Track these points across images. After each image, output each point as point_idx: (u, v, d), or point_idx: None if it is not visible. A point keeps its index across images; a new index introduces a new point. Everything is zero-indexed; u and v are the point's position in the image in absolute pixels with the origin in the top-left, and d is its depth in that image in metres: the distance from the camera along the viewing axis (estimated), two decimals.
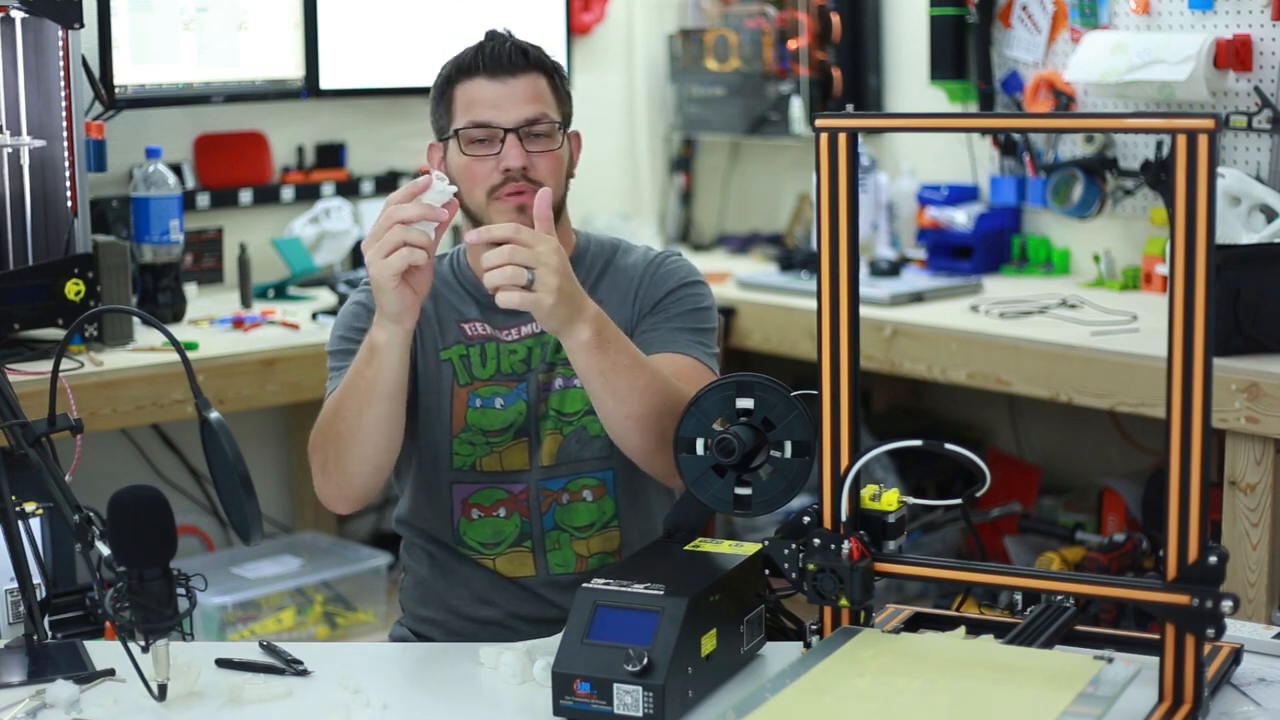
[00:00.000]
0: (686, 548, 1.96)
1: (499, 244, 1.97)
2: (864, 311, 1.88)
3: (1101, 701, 1.63)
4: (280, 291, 3.80)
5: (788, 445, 1.92)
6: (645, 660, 1.71)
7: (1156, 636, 1.71)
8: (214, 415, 1.86)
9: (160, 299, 3.45)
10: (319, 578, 3.76)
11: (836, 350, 1.84)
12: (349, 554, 3.85)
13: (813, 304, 1.86)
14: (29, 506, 2.05)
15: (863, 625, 1.88)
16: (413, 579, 2.38)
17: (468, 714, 1.85)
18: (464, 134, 2.21)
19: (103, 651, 1.97)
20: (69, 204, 3.10)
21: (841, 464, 1.85)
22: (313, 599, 3.74)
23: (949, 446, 1.86)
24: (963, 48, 3.91)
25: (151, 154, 3.48)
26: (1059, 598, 1.94)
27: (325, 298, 3.75)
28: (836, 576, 1.83)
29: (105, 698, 1.86)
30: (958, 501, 1.97)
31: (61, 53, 3.05)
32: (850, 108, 4.13)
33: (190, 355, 2.36)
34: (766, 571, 1.94)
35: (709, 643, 1.79)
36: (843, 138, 1.81)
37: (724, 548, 1.94)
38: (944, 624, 1.95)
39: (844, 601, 1.83)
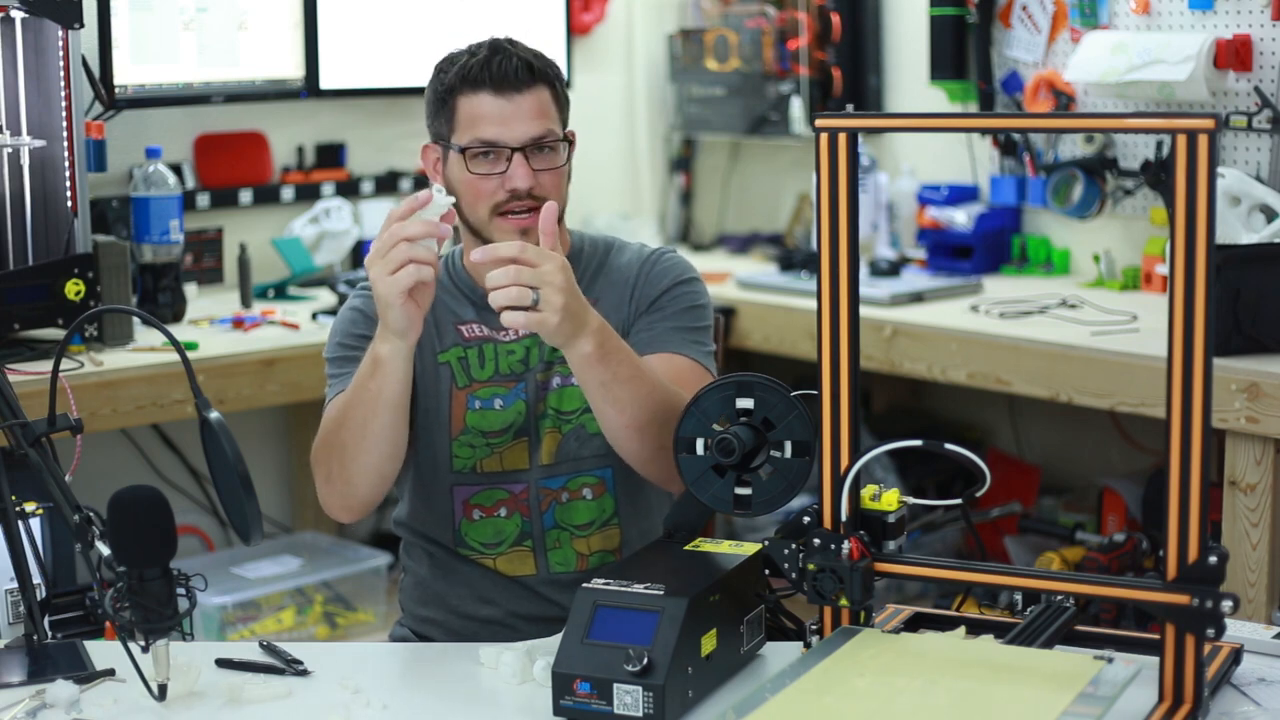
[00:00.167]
0: (686, 548, 1.96)
1: (503, 263, 1.96)
2: (864, 311, 1.88)
3: (1101, 701, 1.63)
4: (280, 291, 3.80)
5: (788, 445, 1.92)
6: (645, 660, 1.71)
7: (1156, 636, 1.71)
8: (214, 415, 1.86)
9: (160, 299, 3.45)
10: (319, 578, 3.76)
11: (836, 350, 1.84)
12: (349, 554, 3.85)
13: (813, 304, 1.86)
14: (29, 506, 2.05)
15: (863, 625, 1.88)
16: (412, 579, 2.38)
17: (468, 714, 1.85)
18: (468, 150, 2.21)
19: (103, 651, 1.97)
20: (69, 204, 3.10)
21: (841, 464, 1.85)
22: (313, 599, 3.74)
23: (949, 446, 1.86)
24: (963, 48, 3.91)
25: (151, 154, 3.48)
26: (1059, 598, 1.94)
27: (325, 298, 3.75)
28: (836, 576, 1.83)
29: (105, 698, 1.86)
30: (958, 501, 1.97)
31: (61, 53, 3.05)
32: (850, 108, 4.13)
33: (190, 355, 2.36)
34: (766, 571, 1.94)
35: (709, 643, 1.79)
36: (843, 138, 1.81)
37: (724, 548, 1.94)
38: (944, 624, 1.95)
39: (844, 601, 1.83)
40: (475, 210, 2.23)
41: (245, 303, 3.65)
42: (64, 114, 3.07)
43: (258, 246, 3.81)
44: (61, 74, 3.06)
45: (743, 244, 4.51)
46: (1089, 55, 3.57)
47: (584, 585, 1.81)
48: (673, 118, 4.66)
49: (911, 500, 1.91)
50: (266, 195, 3.93)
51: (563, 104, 2.27)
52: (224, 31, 3.70)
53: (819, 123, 1.82)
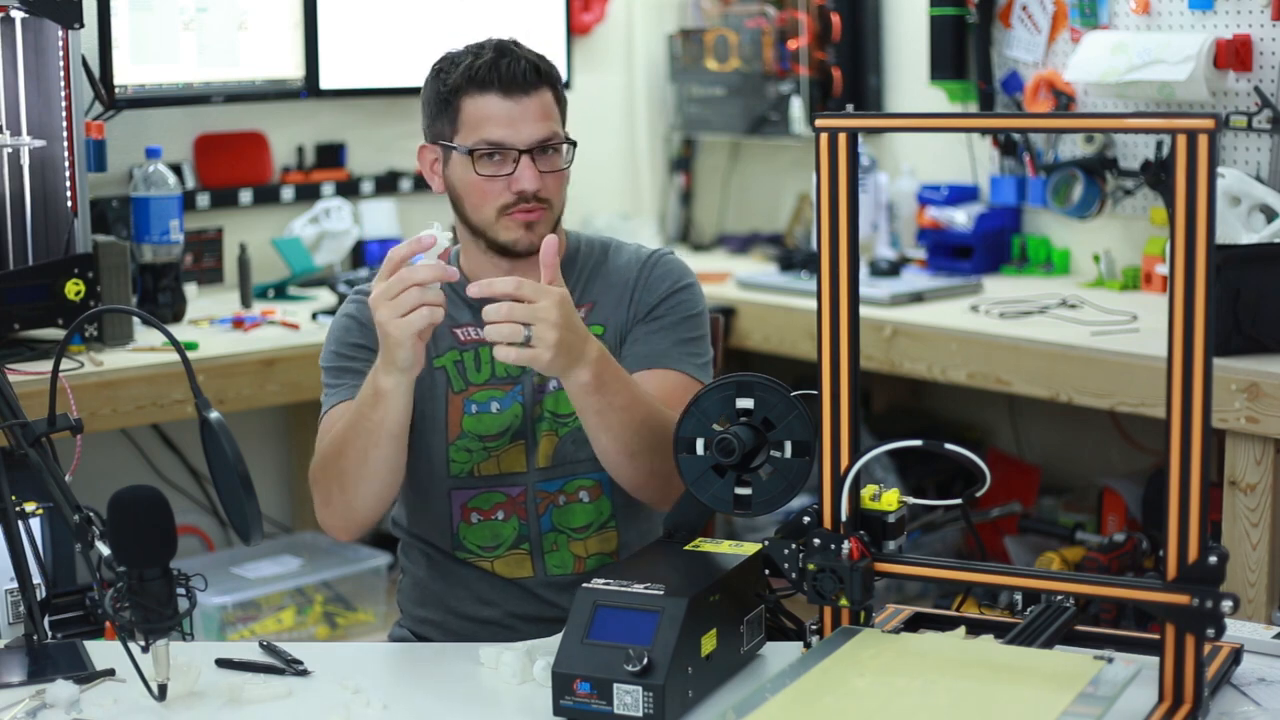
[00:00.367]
0: (686, 548, 1.96)
1: (499, 298, 1.96)
2: (864, 311, 1.88)
3: (1101, 701, 1.63)
4: (280, 291, 3.80)
5: (788, 445, 1.92)
6: (645, 660, 1.71)
7: (1156, 636, 1.71)
8: (214, 415, 1.86)
9: (160, 299, 3.45)
10: (319, 578, 3.76)
11: (836, 350, 1.84)
12: (349, 554, 3.85)
13: (813, 304, 1.86)
14: (29, 506, 2.05)
15: (863, 625, 1.88)
16: (410, 580, 2.38)
17: (468, 714, 1.85)
18: (475, 152, 2.21)
19: (103, 651, 1.97)
20: (69, 204, 3.10)
21: (841, 464, 1.85)
22: (313, 599, 3.74)
23: (949, 446, 1.86)
24: (963, 48, 3.91)
25: (151, 154, 3.48)
26: (1059, 598, 1.94)
27: (325, 298, 3.75)
28: (836, 576, 1.83)
29: (105, 698, 1.86)
30: (958, 501, 1.97)
31: (61, 53, 3.05)
32: (850, 108, 4.13)
33: (190, 355, 2.36)
34: (766, 571, 1.94)
35: (709, 643, 1.79)
36: (843, 138, 1.81)
37: (724, 548, 1.94)
38: (944, 624, 1.95)
39: (844, 601, 1.83)
40: (480, 211, 2.22)
41: (245, 303, 3.65)
42: (64, 114, 3.07)
43: (258, 246, 3.81)
44: (61, 74, 3.06)
45: (743, 244, 4.51)
46: (1089, 55, 3.57)
47: (584, 585, 1.81)
48: (673, 118, 4.66)
49: (911, 500, 1.91)
50: (266, 195, 3.93)
51: (563, 105, 2.27)
52: (224, 31, 3.70)
53: (819, 123, 1.82)
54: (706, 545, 1.96)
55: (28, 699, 1.84)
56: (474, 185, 2.21)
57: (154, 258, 3.45)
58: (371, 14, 3.94)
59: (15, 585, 2.03)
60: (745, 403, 1.94)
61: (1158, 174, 3.48)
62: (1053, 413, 3.92)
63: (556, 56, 2.27)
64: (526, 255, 2.23)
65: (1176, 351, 1.65)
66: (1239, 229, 3.20)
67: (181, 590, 1.79)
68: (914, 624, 1.97)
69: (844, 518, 1.85)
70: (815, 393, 1.86)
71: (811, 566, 1.84)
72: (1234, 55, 3.35)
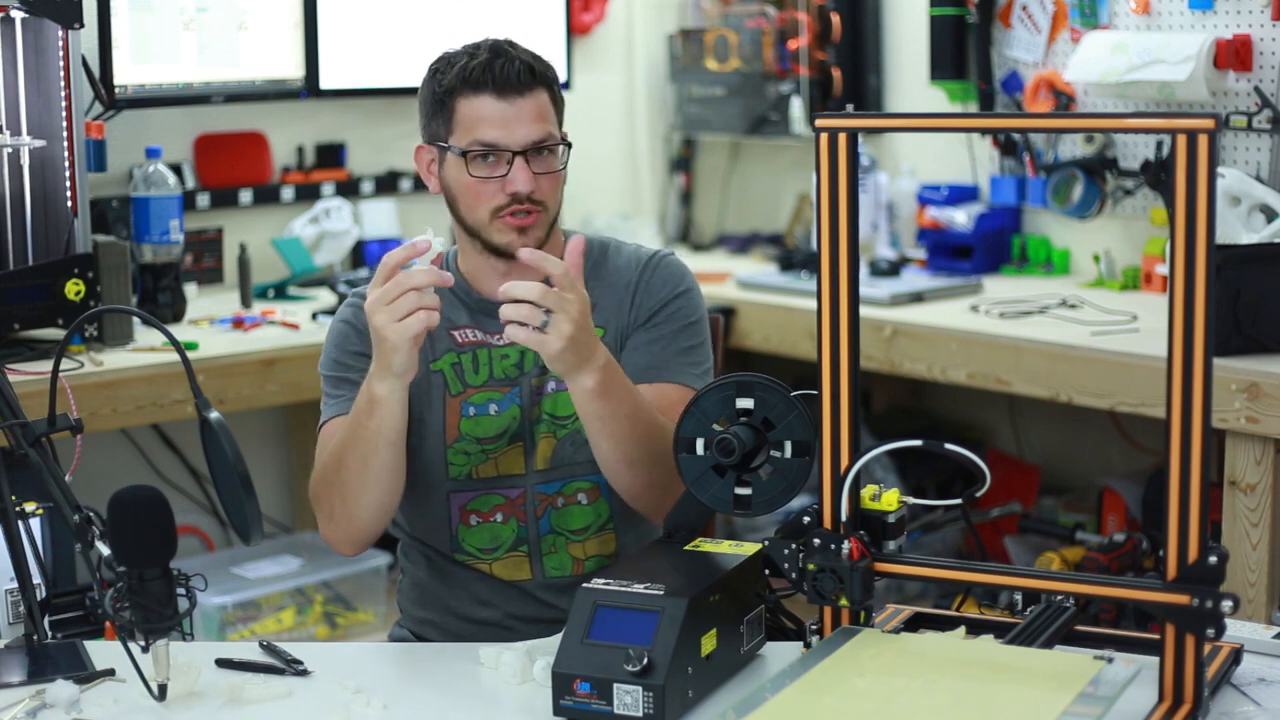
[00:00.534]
0: (686, 548, 1.96)
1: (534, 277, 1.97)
2: (864, 311, 1.88)
3: (1101, 701, 1.63)
4: (280, 291, 3.80)
5: (788, 445, 1.92)
6: (645, 660, 1.71)
7: (1156, 636, 1.71)
8: (214, 415, 1.86)
9: (160, 299, 3.45)
10: (319, 578, 3.76)
11: (836, 350, 1.84)
12: None
13: (813, 304, 1.86)
14: (29, 506, 2.05)
15: (863, 625, 1.88)
16: (410, 581, 2.37)
17: (468, 714, 1.85)
18: (469, 153, 2.21)
19: (103, 651, 1.97)
20: (69, 204, 3.10)
21: (841, 464, 1.85)
22: (313, 599, 3.74)
23: (949, 446, 1.86)
24: (963, 48, 3.91)
25: (151, 154, 3.48)
26: (1059, 598, 1.94)
27: (325, 298, 3.75)
28: (836, 576, 1.83)
29: (105, 698, 1.86)
30: (958, 501, 1.97)
31: (61, 53, 3.05)
32: (850, 108, 4.13)
33: (190, 355, 2.36)
34: (766, 571, 1.94)
35: (709, 643, 1.79)
36: (843, 138, 1.81)
37: (724, 548, 1.94)
38: (944, 624, 1.95)
39: (844, 601, 1.83)
40: (474, 212, 2.22)
41: (245, 303, 3.65)
42: (64, 114, 3.07)
43: (258, 246, 3.81)
44: (61, 74, 3.06)
45: (743, 244, 4.51)
46: (1089, 55, 3.57)
47: (584, 585, 1.81)
48: (673, 118, 4.66)
49: (911, 500, 1.91)
50: (266, 195, 3.93)
51: (559, 106, 2.27)
52: (224, 31, 3.70)
53: (819, 123, 1.82)
54: (706, 545, 1.96)
55: (28, 699, 1.84)
56: (468, 186, 2.21)
57: (154, 258, 3.45)
58: (371, 14, 3.94)
59: (15, 585, 2.03)
60: (745, 403, 1.94)
61: (1158, 174, 3.48)
62: (1053, 413, 3.92)
63: (556, 56, 2.27)
64: None
65: (1176, 351, 1.65)
66: (1239, 229, 3.20)
67: (181, 590, 1.79)
68: (914, 624, 1.97)
69: (844, 518, 1.85)
70: (815, 393, 1.86)
71: (811, 566, 1.84)
72: (1234, 55, 3.35)
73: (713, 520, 2.43)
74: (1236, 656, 1.86)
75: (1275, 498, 2.84)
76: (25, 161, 3.09)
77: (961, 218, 3.95)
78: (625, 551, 2.28)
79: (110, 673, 1.92)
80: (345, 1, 3.89)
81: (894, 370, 3.50)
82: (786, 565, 1.86)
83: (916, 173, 4.13)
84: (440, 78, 2.23)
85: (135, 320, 3.25)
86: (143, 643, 1.78)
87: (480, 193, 2.20)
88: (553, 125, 2.23)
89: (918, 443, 1.86)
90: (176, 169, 3.68)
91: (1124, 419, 3.75)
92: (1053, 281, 3.81)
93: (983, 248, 3.93)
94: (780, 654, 1.93)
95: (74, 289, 3.08)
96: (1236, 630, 1.93)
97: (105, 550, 1.80)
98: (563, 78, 2.31)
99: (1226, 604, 1.66)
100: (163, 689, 1.81)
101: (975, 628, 1.93)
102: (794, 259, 4.02)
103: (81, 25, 3.07)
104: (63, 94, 3.06)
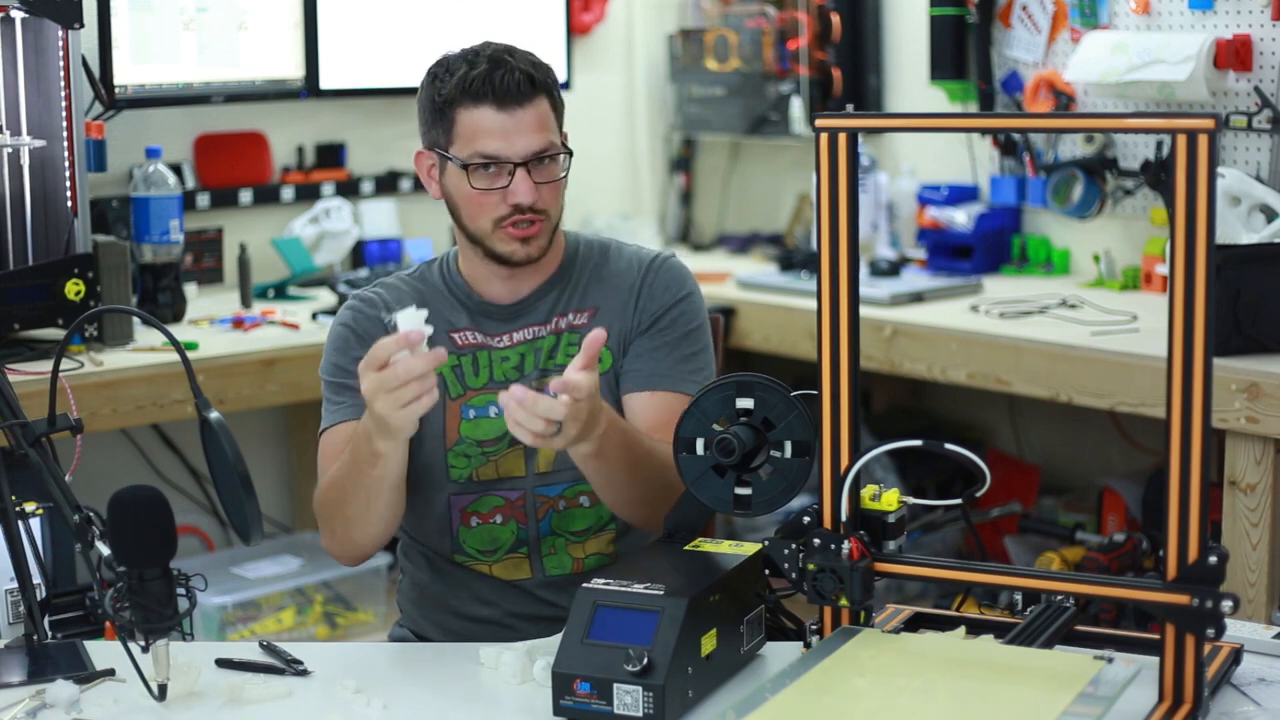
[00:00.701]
0: (686, 548, 1.96)
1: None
2: (864, 311, 1.88)
3: (1101, 701, 1.63)
4: (280, 291, 3.80)
5: (788, 445, 1.92)
6: (645, 660, 1.71)
7: (1156, 636, 1.71)
8: (214, 415, 1.86)
9: (160, 299, 3.45)
10: (319, 578, 3.76)
11: (836, 350, 1.84)
12: None
13: (813, 304, 1.86)
14: (29, 506, 2.05)
15: (863, 625, 1.88)
16: (410, 581, 2.38)
17: (468, 714, 1.85)
18: (470, 165, 2.20)
19: (103, 651, 1.97)
20: (69, 204, 3.10)
21: (841, 464, 1.85)
22: (313, 599, 3.74)
23: (949, 446, 1.86)
24: (963, 48, 3.91)
25: (151, 154, 3.48)
26: (1059, 598, 1.94)
27: (325, 298, 3.75)
28: (836, 576, 1.83)
29: (105, 698, 1.86)
30: (958, 501, 1.97)
31: (61, 53, 3.05)
32: (850, 108, 4.13)
33: (190, 355, 2.36)
34: (766, 571, 1.94)
35: (709, 643, 1.79)
36: (843, 138, 1.81)
37: (724, 548, 1.94)
38: (944, 624, 1.95)
39: (844, 601, 1.83)
40: (476, 222, 2.22)
41: (245, 303, 3.65)
42: (64, 114, 3.07)
43: (258, 246, 3.81)
44: (61, 74, 3.06)
45: (743, 244, 4.51)
46: (1089, 55, 3.57)
47: (584, 585, 1.81)
48: (673, 118, 4.66)
49: (911, 500, 1.91)
50: (266, 195, 3.93)
51: (560, 110, 2.26)
52: (224, 31, 3.70)
53: (819, 123, 1.82)
54: (706, 545, 1.96)
55: (28, 699, 1.84)
56: (470, 197, 2.21)
57: (154, 258, 3.45)
58: (371, 14, 3.94)
59: (15, 585, 2.03)
60: (745, 403, 1.94)
61: (1158, 174, 3.48)
62: (1053, 413, 3.92)
63: (556, 56, 2.26)
64: (524, 264, 2.23)
65: (1176, 351, 1.65)
66: (1239, 229, 3.20)
67: (181, 590, 1.79)
68: (914, 624, 1.97)
69: (844, 518, 1.85)
70: (815, 393, 1.86)
71: (811, 566, 1.84)
72: (1234, 55, 3.35)
73: (713, 520, 2.43)
74: (1236, 656, 1.86)
75: (1275, 498, 2.84)
76: (25, 161, 3.09)
77: (961, 218, 3.95)
78: (625, 550, 2.28)
79: (110, 673, 1.92)
80: (345, 1, 3.89)
81: (894, 370, 3.50)
82: (786, 565, 1.86)
83: (916, 173, 4.12)
84: (440, 86, 2.21)
85: (135, 320, 3.25)
86: (143, 643, 1.78)
87: (482, 203, 2.20)
88: (553, 133, 2.22)
89: (918, 443, 1.86)
90: (176, 169, 3.68)
91: (1124, 419, 3.75)
92: (1053, 281, 3.81)
93: (983, 248, 3.93)
94: (780, 654, 1.93)
95: (74, 289, 3.08)
96: (1236, 630, 1.93)
97: (105, 550, 1.80)
98: (563, 78, 2.31)
99: (1226, 604, 1.66)
100: (163, 689, 1.81)
101: (975, 628, 1.93)
102: (794, 259, 4.02)
103: (81, 25, 3.07)
104: (63, 94, 3.06)
